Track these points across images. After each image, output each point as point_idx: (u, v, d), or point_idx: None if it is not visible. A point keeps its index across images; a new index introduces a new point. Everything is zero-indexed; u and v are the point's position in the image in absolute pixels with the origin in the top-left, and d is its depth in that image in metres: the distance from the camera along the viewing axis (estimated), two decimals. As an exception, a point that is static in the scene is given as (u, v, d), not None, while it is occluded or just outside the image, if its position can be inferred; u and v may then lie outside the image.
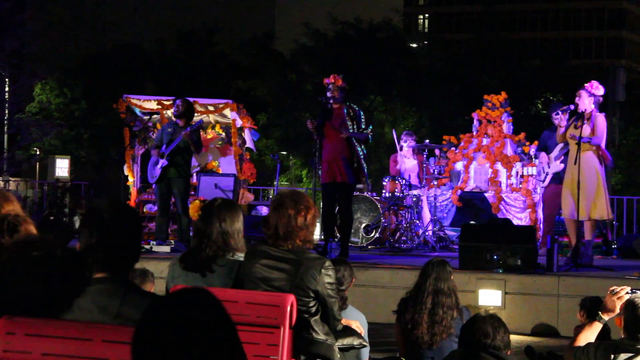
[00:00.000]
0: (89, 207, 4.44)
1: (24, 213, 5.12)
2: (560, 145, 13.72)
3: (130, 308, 3.79)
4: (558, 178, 13.89)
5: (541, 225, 15.38)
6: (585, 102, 12.11)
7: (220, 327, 2.59)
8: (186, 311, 2.57)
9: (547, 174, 14.24)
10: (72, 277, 3.59)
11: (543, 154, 14.35)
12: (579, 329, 5.94)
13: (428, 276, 7.37)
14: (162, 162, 13.45)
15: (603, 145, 12.23)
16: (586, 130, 11.99)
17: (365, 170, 12.72)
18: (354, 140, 12.49)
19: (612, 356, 5.30)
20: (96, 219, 3.97)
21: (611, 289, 5.65)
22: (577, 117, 12.16)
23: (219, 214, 5.82)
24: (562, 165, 13.76)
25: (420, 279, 7.45)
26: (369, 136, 12.68)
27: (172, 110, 14.00)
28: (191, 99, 15.97)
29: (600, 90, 12.22)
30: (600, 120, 12.12)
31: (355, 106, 12.80)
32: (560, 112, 12.31)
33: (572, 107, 12.18)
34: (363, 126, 12.57)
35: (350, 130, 12.45)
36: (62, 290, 3.56)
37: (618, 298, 5.55)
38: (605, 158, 12.37)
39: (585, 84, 12.29)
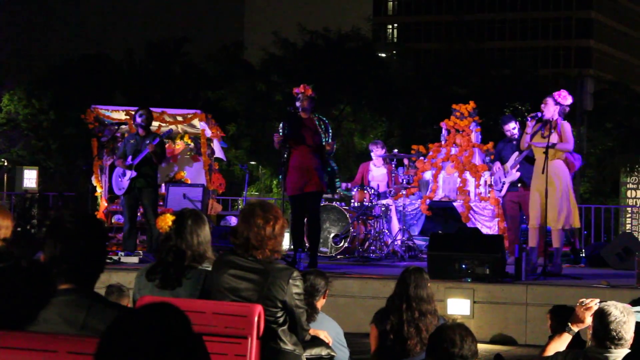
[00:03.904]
0: (53, 217, 4.40)
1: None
2: (516, 154, 13.86)
3: (96, 319, 3.75)
4: (515, 186, 14.06)
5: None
6: (551, 110, 12.16)
7: (184, 342, 2.59)
8: (152, 326, 2.57)
9: (503, 183, 14.31)
10: (37, 289, 3.57)
11: (497, 164, 14.42)
12: (550, 339, 5.95)
13: (407, 285, 7.34)
14: (131, 173, 13.39)
15: (571, 148, 12.29)
16: (554, 138, 12.03)
17: (325, 180, 12.72)
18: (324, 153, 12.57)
19: (581, 364, 5.30)
20: (60, 229, 3.94)
21: (580, 300, 5.66)
22: (543, 125, 12.21)
23: (194, 225, 5.84)
24: (518, 174, 13.91)
25: (398, 287, 7.41)
26: (333, 149, 12.81)
27: (138, 119, 13.80)
28: (160, 109, 15.94)
29: (567, 100, 12.27)
30: (567, 127, 12.17)
31: (324, 118, 12.84)
32: (529, 119, 12.36)
33: (539, 114, 12.24)
34: (329, 140, 12.61)
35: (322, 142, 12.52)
36: (27, 301, 3.54)
37: (587, 309, 5.55)
38: (572, 165, 12.45)
39: (554, 92, 12.35)
